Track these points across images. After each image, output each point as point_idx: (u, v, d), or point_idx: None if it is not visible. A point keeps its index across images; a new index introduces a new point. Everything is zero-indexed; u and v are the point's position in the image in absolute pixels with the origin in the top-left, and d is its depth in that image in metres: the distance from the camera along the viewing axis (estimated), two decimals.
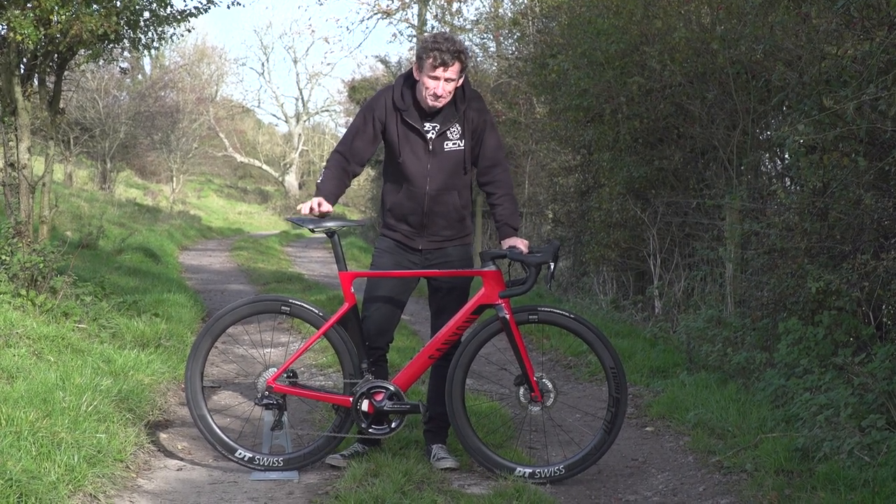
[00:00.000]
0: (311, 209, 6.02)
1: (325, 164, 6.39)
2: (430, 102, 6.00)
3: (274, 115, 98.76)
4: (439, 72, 5.90)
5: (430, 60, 5.89)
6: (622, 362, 6.10)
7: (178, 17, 11.72)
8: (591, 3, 12.02)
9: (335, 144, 6.35)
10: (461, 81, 6.06)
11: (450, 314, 6.16)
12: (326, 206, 6.04)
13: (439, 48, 5.86)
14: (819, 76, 7.32)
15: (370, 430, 6.02)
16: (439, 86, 5.94)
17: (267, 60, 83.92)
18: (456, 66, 5.91)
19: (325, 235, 6.18)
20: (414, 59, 6.09)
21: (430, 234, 6.18)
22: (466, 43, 22.82)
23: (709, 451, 6.36)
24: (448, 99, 6.02)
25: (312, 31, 79.51)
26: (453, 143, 6.10)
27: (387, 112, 6.12)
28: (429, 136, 6.07)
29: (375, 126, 6.15)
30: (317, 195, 6.10)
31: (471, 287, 6.34)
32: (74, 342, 7.78)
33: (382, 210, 6.36)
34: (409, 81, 6.14)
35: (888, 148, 6.70)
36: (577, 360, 9.66)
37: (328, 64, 77.22)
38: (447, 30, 23.49)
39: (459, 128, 6.10)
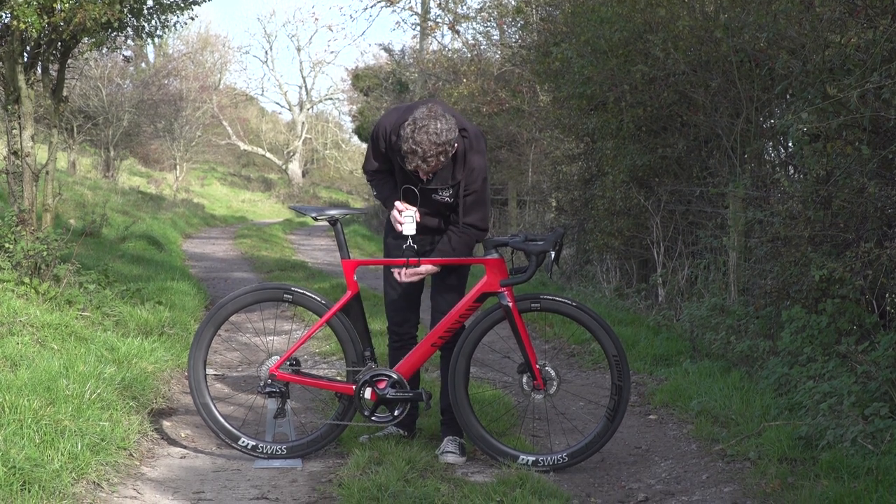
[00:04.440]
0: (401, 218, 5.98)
1: (368, 180, 6.34)
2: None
3: (277, 104, 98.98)
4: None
5: (408, 163, 5.78)
6: (625, 350, 6.10)
7: (182, 5, 11.75)
8: None
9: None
10: (461, 145, 5.92)
11: (443, 297, 6.20)
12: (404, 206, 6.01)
13: (417, 156, 5.69)
14: (823, 64, 7.30)
15: (372, 418, 6.04)
16: (421, 173, 5.86)
17: (270, 49, 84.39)
18: (435, 163, 5.76)
19: (328, 223, 6.18)
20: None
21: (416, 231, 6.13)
22: (470, 31, 22.84)
23: (712, 439, 6.36)
24: (436, 171, 5.92)
25: (316, 19, 79.35)
26: (439, 196, 6.04)
27: (387, 143, 6.01)
28: (419, 184, 6.02)
29: (385, 149, 6.05)
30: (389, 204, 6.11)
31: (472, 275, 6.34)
32: (78, 330, 7.79)
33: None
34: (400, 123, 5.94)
35: (892, 136, 6.69)
36: (580, 348, 9.66)
37: (331, 52, 76.98)
38: (450, 18, 23.43)
39: (452, 191, 6.03)
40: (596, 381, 8.42)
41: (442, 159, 5.73)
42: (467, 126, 5.96)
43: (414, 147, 5.64)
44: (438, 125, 5.65)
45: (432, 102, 5.83)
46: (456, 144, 5.82)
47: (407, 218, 5.97)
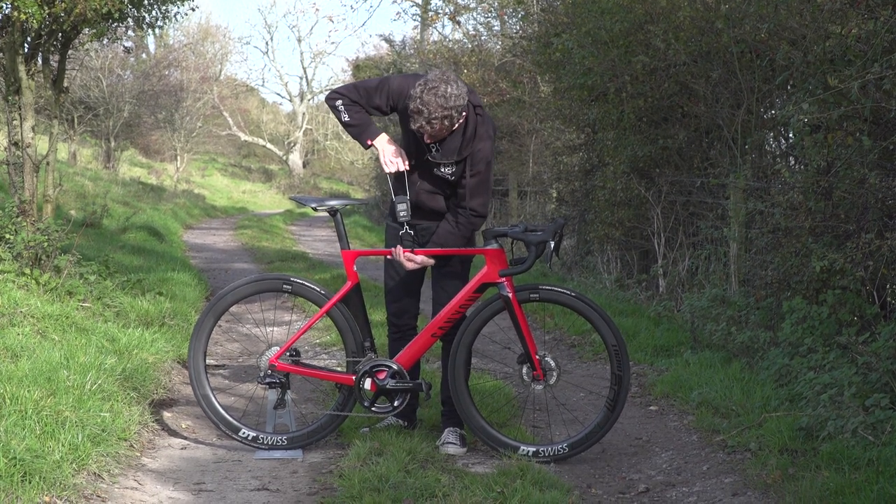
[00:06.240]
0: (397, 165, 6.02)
1: (339, 103, 6.06)
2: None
3: (278, 94, 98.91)
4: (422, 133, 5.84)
5: (413, 122, 5.78)
6: (625, 340, 6.10)
7: None
8: None
9: (339, 123, 6.14)
10: (473, 121, 5.92)
11: (443, 288, 6.19)
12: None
13: (422, 116, 5.70)
14: (823, 55, 7.29)
15: (373, 409, 6.04)
16: (426, 136, 5.85)
17: (271, 39, 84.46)
18: (439, 126, 5.75)
19: (328, 214, 6.18)
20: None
21: (419, 215, 6.15)
22: (471, 22, 22.80)
23: (713, 430, 6.36)
24: (440, 136, 5.90)
25: (316, 9, 79.30)
26: (441, 172, 6.02)
27: (400, 97, 5.98)
28: (425, 154, 6.00)
29: (386, 105, 6.04)
30: (365, 136, 6.05)
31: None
32: (78, 321, 7.79)
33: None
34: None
35: (893, 127, 6.69)
36: (580, 338, 9.66)
37: (332, 43, 77.30)
38: (451, 9, 23.39)
39: (455, 168, 6.02)
40: (596, 372, 8.43)
41: (447, 123, 5.74)
42: (483, 106, 5.99)
43: (420, 107, 5.67)
44: (448, 89, 5.68)
45: (447, 70, 5.85)
46: (465, 114, 5.84)
47: (401, 204, 5.98)
